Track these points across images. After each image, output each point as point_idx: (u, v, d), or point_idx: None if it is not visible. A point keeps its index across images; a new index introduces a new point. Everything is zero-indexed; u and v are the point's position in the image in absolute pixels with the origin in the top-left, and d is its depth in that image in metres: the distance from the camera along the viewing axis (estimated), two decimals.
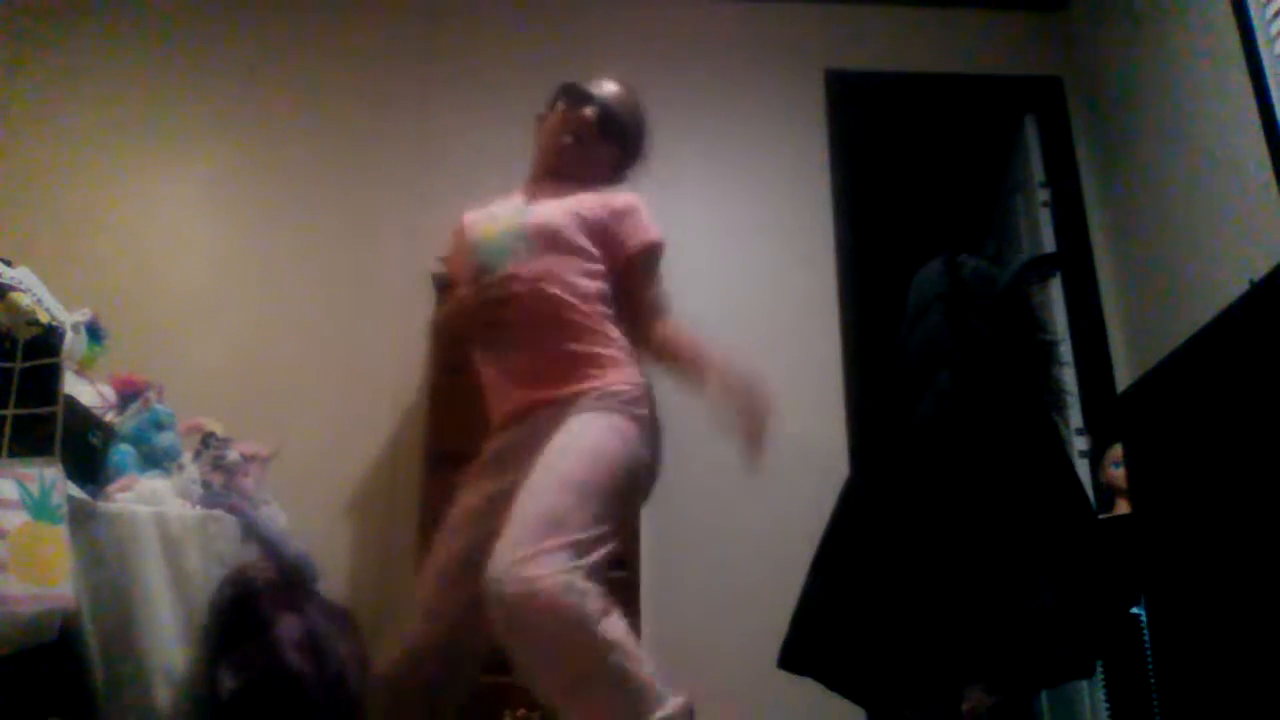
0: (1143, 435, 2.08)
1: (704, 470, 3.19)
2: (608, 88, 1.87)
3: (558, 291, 1.63)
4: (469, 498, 1.63)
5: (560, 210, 1.71)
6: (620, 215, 1.75)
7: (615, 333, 1.69)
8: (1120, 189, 3.44)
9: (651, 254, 1.79)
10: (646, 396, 1.67)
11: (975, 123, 4.04)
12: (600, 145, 1.82)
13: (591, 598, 1.30)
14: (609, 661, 1.29)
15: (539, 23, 3.67)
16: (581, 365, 1.62)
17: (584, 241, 1.69)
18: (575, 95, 1.84)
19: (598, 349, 1.64)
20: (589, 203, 1.74)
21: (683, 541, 3.11)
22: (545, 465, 1.45)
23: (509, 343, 1.65)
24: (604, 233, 1.72)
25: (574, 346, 1.63)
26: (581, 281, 1.67)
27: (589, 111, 1.79)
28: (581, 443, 1.50)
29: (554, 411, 1.56)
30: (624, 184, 1.90)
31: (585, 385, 1.59)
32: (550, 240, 1.67)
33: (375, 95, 3.57)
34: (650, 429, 1.67)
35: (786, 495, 3.13)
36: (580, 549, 1.34)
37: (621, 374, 1.64)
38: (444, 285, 3.02)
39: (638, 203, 1.80)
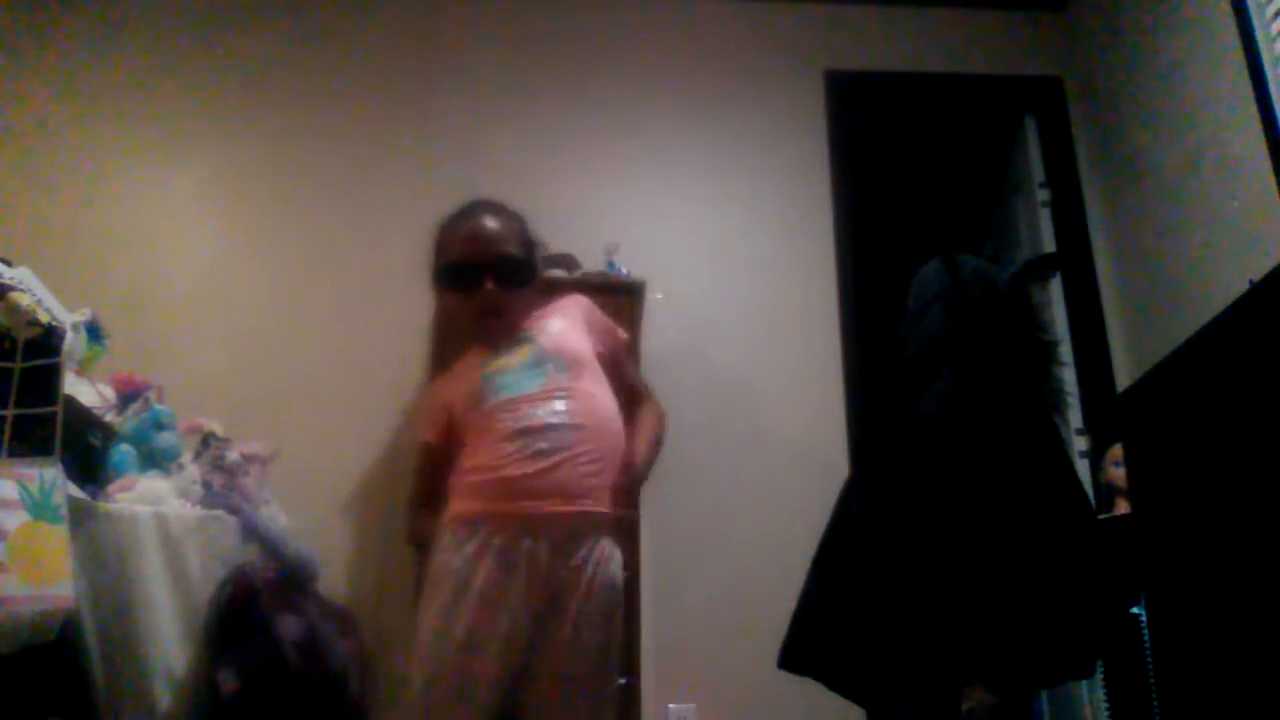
0: (1143, 435, 2.08)
1: (704, 470, 3.20)
2: (481, 234, 1.82)
3: (603, 410, 1.78)
4: (487, 609, 1.60)
5: (563, 334, 1.84)
6: (589, 319, 1.92)
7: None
8: (1120, 189, 3.44)
9: (629, 349, 2.05)
10: None
11: (975, 123, 4.05)
12: (519, 294, 1.85)
13: None
14: None
15: (540, 24, 3.67)
16: (610, 475, 1.74)
17: (596, 363, 1.84)
18: (458, 279, 1.83)
19: (617, 462, 1.76)
20: (562, 318, 1.88)
21: (682, 541, 3.11)
22: (589, 680, 1.65)
23: (549, 445, 1.67)
24: (588, 335, 1.89)
25: (608, 469, 1.73)
26: (609, 401, 1.82)
27: (489, 289, 1.79)
28: (613, 644, 1.71)
29: (588, 529, 1.68)
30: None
31: (609, 518, 1.73)
32: (572, 361, 1.79)
33: (375, 95, 3.57)
34: None
35: (786, 495, 3.13)
36: None
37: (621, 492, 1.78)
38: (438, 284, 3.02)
39: (589, 302, 1.97)
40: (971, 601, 1.78)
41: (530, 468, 1.64)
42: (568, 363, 1.77)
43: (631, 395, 1.92)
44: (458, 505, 1.69)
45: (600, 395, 1.78)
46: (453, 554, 1.63)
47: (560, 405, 1.70)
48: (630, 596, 2.63)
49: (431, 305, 3.09)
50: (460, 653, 1.57)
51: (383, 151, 3.50)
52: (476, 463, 1.70)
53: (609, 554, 1.72)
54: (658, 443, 1.89)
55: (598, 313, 1.95)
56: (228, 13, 3.64)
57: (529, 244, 1.86)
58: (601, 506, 1.70)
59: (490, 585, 1.60)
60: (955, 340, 1.96)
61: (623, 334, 1.97)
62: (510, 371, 1.75)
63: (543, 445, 1.65)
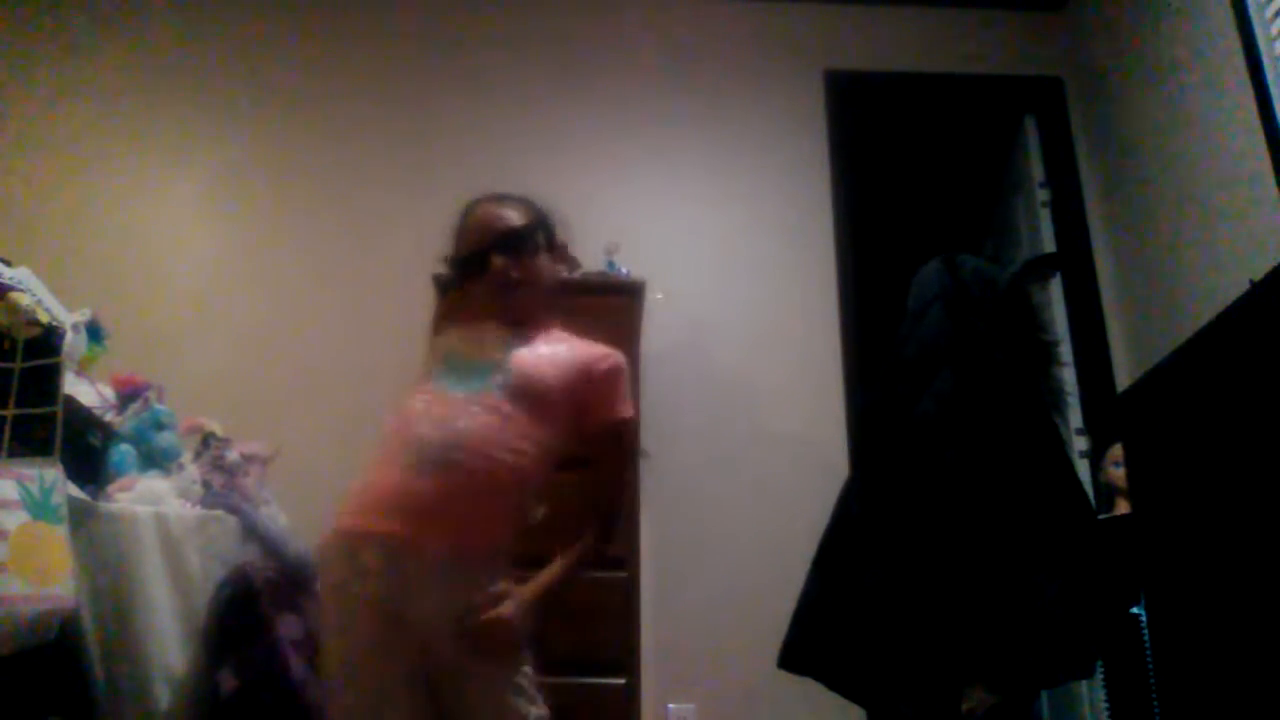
0: (1143, 435, 2.08)
1: (704, 470, 3.20)
2: (481, 218, 1.74)
3: (504, 458, 1.56)
4: (375, 661, 1.47)
5: (542, 364, 1.65)
6: (597, 380, 1.68)
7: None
8: (1120, 189, 3.44)
9: (625, 430, 1.72)
10: None
11: (975, 123, 4.05)
12: (532, 263, 1.71)
13: None
14: None
15: (540, 23, 3.67)
16: (492, 534, 1.58)
17: (551, 410, 1.63)
18: (470, 268, 1.72)
19: (501, 529, 1.61)
20: (569, 357, 1.68)
21: (682, 541, 3.11)
22: None
23: (441, 461, 1.53)
24: (577, 391, 1.67)
25: (493, 517, 1.58)
26: (518, 460, 1.58)
27: (497, 262, 1.68)
28: None
29: (464, 570, 1.52)
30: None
31: (496, 564, 1.56)
32: (524, 392, 1.60)
33: (376, 95, 3.57)
34: None
35: (786, 495, 3.13)
36: None
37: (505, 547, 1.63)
38: (447, 286, 3.02)
39: (619, 370, 1.71)
40: (971, 601, 1.78)
41: (410, 483, 1.52)
42: (519, 389, 1.59)
43: (594, 484, 1.69)
44: (339, 521, 1.61)
45: (526, 439, 1.57)
46: (340, 567, 1.55)
47: (471, 421, 1.54)
48: (630, 596, 2.64)
49: (432, 305, 3.09)
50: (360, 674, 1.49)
51: (383, 152, 3.50)
52: (369, 471, 1.62)
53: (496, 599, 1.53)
54: (569, 571, 1.62)
55: (613, 379, 1.68)
56: (228, 14, 3.64)
57: (534, 212, 1.76)
58: (481, 549, 1.55)
59: (380, 594, 1.49)
60: (955, 340, 1.96)
61: (624, 414, 1.68)
62: (463, 364, 1.65)
63: (430, 457, 1.52)
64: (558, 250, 1.80)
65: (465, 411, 1.56)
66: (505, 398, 1.58)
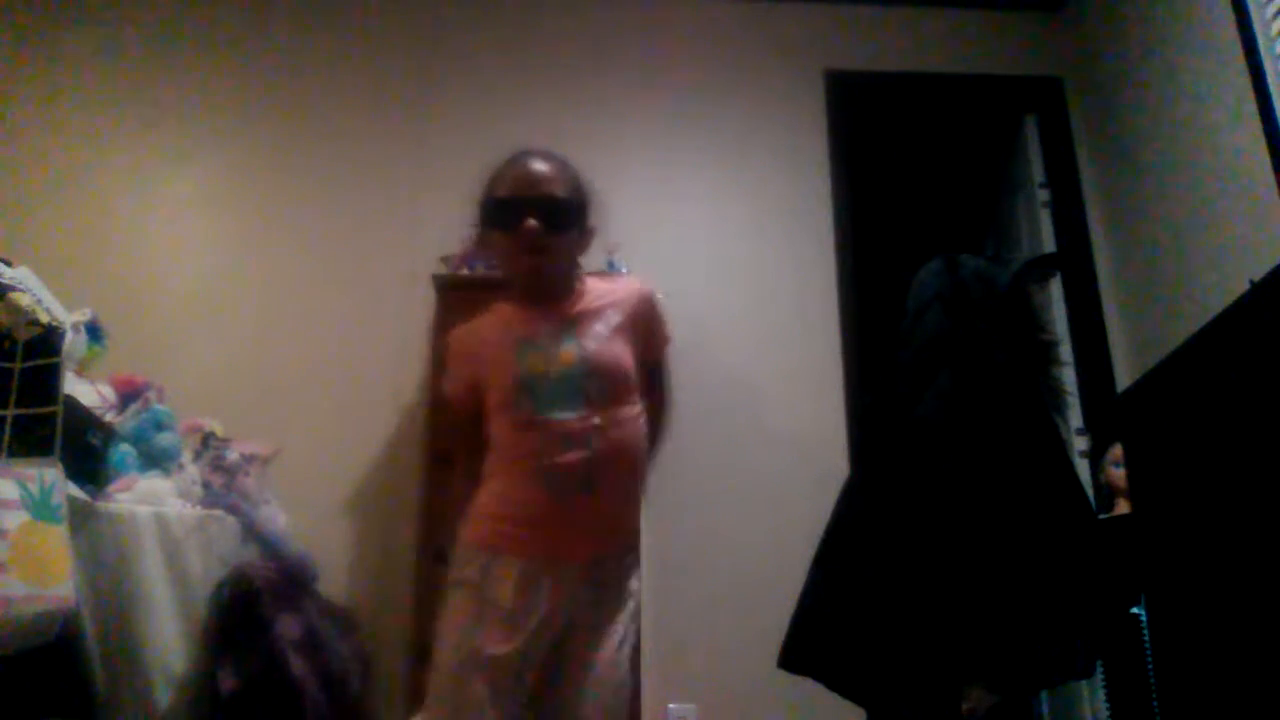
0: (1143, 435, 2.08)
1: (704, 470, 3.20)
2: (528, 174, 1.73)
3: (634, 443, 1.72)
4: (498, 644, 1.57)
5: (609, 345, 1.71)
6: (644, 318, 1.81)
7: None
8: (1120, 189, 3.44)
9: (667, 353, 1.92)
10: None
11: (975, 123, 4.05)
12: (561, 239, 1.71)
13: None
14: None
15: (539, 23, 3.67)
16: (634, 518, 1.76)
17: (635, 377, 1.74)
18: (502, 215, 1.71)
19: (640, 497, 1.77)
20: (616, 319, 1.75)
21: (683, 541, 3.11)
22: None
23: (579, 485, 1.62)
24: (639, 338, 1.79)
25: (635, 499, 1.75)
26: (640, 426, 1.74)
27: (530, 224, 1.66)
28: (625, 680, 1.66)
29: (602, 566, 1.67)
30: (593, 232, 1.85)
31: (633, 540, 1.75)
32: (614, 384, 1.69)
33: (375, 95, 3.57)
34: None
35: (786, 495, 3.13)
36: None
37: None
38: (446, 285, 3.03)
39: (651, 297, 1.85)
40: (971, 601, 1.78)
41: (553, 510, 1.62)
42: (608, 387, 1.67)
43: (649, 388, 1.84)
44: (477, 530, 1.67)
45: (632, 421, 1.71)
46: (473, 572, 1.62)
47: (595, 442, 1.63)
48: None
49: (432, 305, 3.09)
50: (476, 669, 1.55)
51: (382, 152, 3.50)
52: (499, 490, 1.68)
53: (628, 570, 1.73)
54: (667, 425, 1.93)
55: (654, 312, 1.84)
56: (228, 14, 3.64)
57: (578, 189, 1.77)
58: (623, 539, 1.72)
59: (512, 607, 1.59)
60: (955, 340, 1.96)
61: (668, 335, 1.89)
62: (548, 384, 1.66)
63: (569, 485, 1.62)
64: (587, 234, 1.80)
65: (587, 432, 1.64)
66: (600, 398, 1.65)
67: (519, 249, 1.68)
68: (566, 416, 1.63)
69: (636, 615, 1.74)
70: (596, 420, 1.64)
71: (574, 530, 1.63)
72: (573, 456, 1.61)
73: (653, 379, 1.84)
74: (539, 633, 1.59)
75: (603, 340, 1.71)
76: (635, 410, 1.72)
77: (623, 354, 1.71)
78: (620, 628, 1.66)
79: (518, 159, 1.77)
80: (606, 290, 1.80)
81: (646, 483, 1.79)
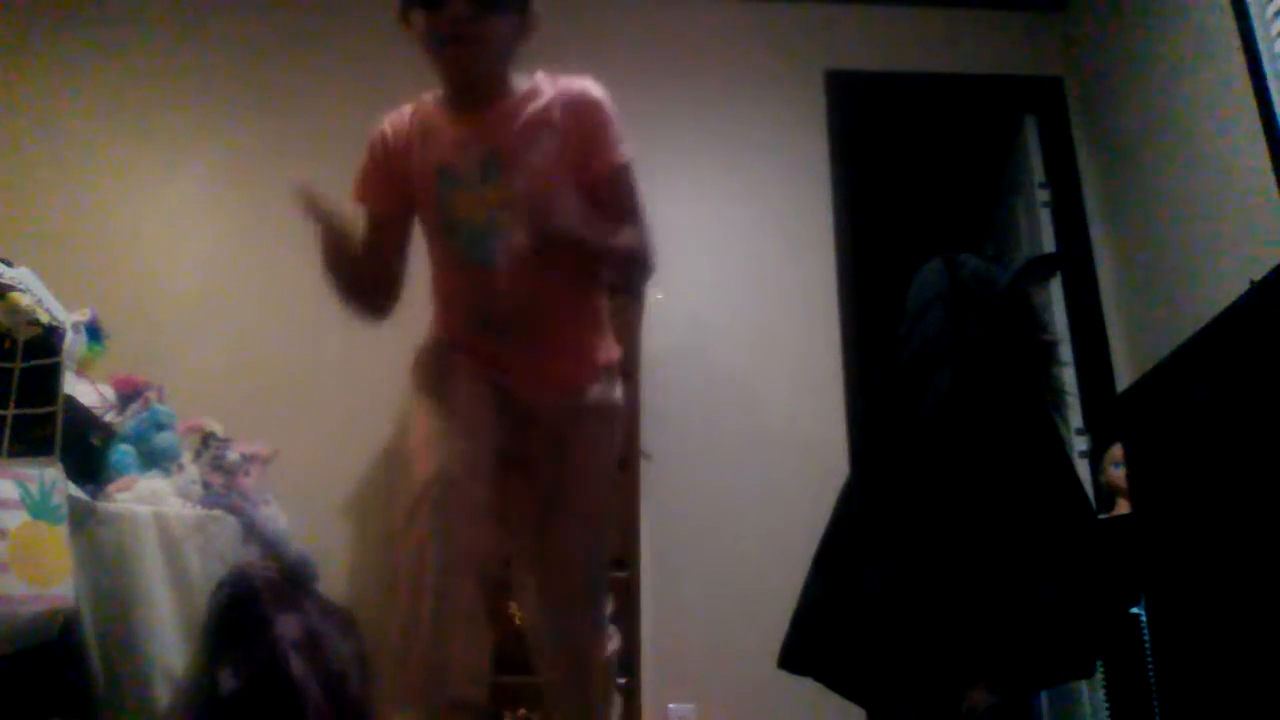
0: (1143, 435, 2.08)
1: (704, 470, 3.20)
2: None
3: (572, 287, 1.55)
4: (469, 403, 1.45)
5: (542, 175, 1.46)
6: (587, 135, 1.52)
7: (603, 297, 1.65)
8: (1120, 189, 3.44)
9: (622, 177, 1.54)
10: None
11: (975, 123, 4.04)
12: (493, 24, 1.46)
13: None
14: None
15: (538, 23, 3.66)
16: (594, 335, 1.61)
17: (573, 199, 1.45)
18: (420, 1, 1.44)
19: (599, 318, 1.63)
20: (551, 140, 1.49)
21: (683, 541, 3.11)
22: (580, 525, 1.57)
23: (524, 327, 1.52)
24: (576, 161, 1.50)
25: (590, 317, 1.61)
26: (577, 269, 1.53)
27: (457, 6, 1.40)
28: (602, 494, 1.62)
29: (572, 391, 1.58)
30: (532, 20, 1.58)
31: (602, 356, 1.61)
32: (544, 213, 1.39)
33: (375, 94, 3.56)
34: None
35: (786, 495, 3.13)
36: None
37: (611, 345, 1.65)
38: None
39: (597, 105, 1.54)
40: (972, 602, 1.78)
41: (494, 352, 1.51)
42: (538, 217, 1.39)
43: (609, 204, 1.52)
44: (433, 350, 1.60)
45: (568, 265, 1.49)
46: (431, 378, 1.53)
47: (527, 287, 1.47)
48: (630, 597, 2.64)
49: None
50: (445, 440, 1.39)
51: None
52: (443, 321, 1.62)
53: (598, 400, 1.59)
54: (631, 254, 1.51)
55: (599, 130, 1.52)
56: (227, 14, 3.64)
57: None
58: (575, 386, 1.57)
59: (475, 389, 1.47)
60: (955, 340, 1.96)
61: (619, 158, 1.53)
62: (474, 229, 1.50)
63: (505, 329, 1.51)
64: (528, 20, 1.55)
65: (517, 278, 1.47)
66: (534, 235, 1.38)
67: (442, 34, 1.43)
68: (498, 264, 1.46)
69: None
70: (528, 270, 1.44)
71: (518, 373, 1.51)
72: (505, 303, 1.49)
73: (612, 194, 1.51)
74: (493, 450, 1.43)
75: (535, 171, 1.46)
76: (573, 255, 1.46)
77: (560, 191, 1.44)
78: (591, 490, 1.57)
79: None
80: (546, 90, 1.54)
81: (603, 326, 1.64)
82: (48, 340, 1.71)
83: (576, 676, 1.60)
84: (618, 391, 1.64)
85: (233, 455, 2.39)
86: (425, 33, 1.46)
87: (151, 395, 2.25)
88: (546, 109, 1.52)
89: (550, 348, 1.55)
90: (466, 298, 1.55)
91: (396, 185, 1.60)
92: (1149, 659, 2.28)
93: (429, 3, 1.42)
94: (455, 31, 1.43)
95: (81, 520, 1.68)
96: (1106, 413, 3.14)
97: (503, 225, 1.46)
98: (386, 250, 1.63)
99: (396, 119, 1.65)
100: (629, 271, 1.56)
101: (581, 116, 1.52)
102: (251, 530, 2.28)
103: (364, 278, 1.63)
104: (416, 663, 1.29)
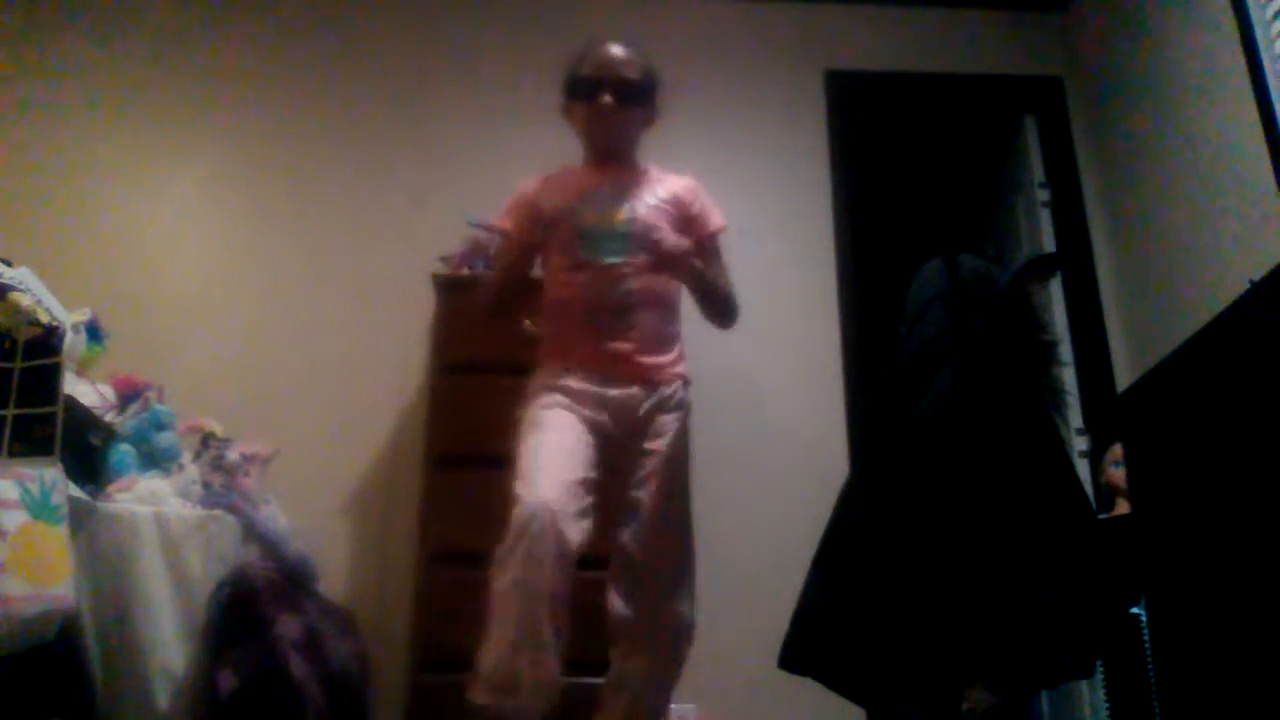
0: (1143, 435, 2.08)
1: (704, 470, 3.19)
2: (607, 57, 2.11)
3: (667, 293, 2.07)
4: (567, 417, 1.88)
5: (656, 212, 2.05)
6: (690, 206, 2.14)
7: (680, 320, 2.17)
8: (1120, 189, 3.44)
9: (718, 239, 2.20)
10: None
11: (975, 123, 4.04)
12: (631, 114, 2.10)
13: None
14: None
15: (539, 22, 3.66)
16: (676, 343, 2.10)
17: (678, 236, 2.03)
18: (583, 90, 2.08)
19: (678, 329, 2.13)
20: (665, 196, 2.11)
21: None
22: (668, 505, 2.00)
23: (624, 319, 1.97)
24: (682, 223, 2.09)
25: (673, 327, 2.10)
26: (673, 284, 2.09)
27: (606, 100, 2.05)
28: (684, 478, 2.08)
29: (658, 385, 2.01)
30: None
31: (680, 366, 2.09)
32: (654, 241, 1.97)
33: (375, 95, 3.57)
34: None
35: (786, 495, 3.13)
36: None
37: (684, 358, 2.14)
38: (446, 285, 3.03)
39: (699, 189, 2.22)
40: (972, 602, 1.78)
41: (601, 344, 1.95)
42: (650, 245, 1.95)
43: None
44: (549, 358, 2.02)
45: (667, 283, 2.04)
46: (550, 378, 1.96)
47: (633, 285, 1.96)
48: None
49: (431, 304, 3.09)
50: (547, 474, 1.73)
51: (383, 151, 3.50)
52: (552, 333, 2.06)
53: (676, 401, 2.05)
54: (722, 290, 2.17)
55: (699, 198, 2.18)
56: (227, 14, 3.64)
57: (649, 75, 2.15)
58: (658, 378, 2.01)
59: (578, 394, 1.91)
60: (955, 340, 1.96)
61: (716, 224, 2.18)
62: (600, 233, 1.99)
63: (608, 320, 1.95)
64: (651, 113, 2.19)
65: (624, 275, 1.97)
66: (642, 253, 1.96)
67: (595, 119, 2.09)
68: (613, 261, 1.96)
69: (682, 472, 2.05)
70: (636, 269, 1.96)
71: (615, 361, 1.95)
72: (614, 296, 1.95)
73: (710, 251, 2.16)
74: (602, 426, 1.89)
75: (651, 208, 2.05)
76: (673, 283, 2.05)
77: (667, 223, 2.03)
78: (678, 475, 2.01)
79: (600, 43, 2.15)
80: (661, 174, 2.19)
81: (681, 340, 2.14)
82: (48, 340, 1.71)
83: (671, 653, 2.03)
84: (689, 395, 2.11)
85: (233, 455, 2.39)
86: (582, 118, 2.13)
87: (151, 395, 2.25)
88: (659, 178, 2.18)
89: (645, 342, 1.99)
90: (580, 296, 1.98)
91: (537, 220, 2.09)
92: (1149, 659, 2.28)
93: (586, 99, 2.09)
94: (604, 117, 2.09)
95: (81, 520, 1.69)
96: (1106, 413, 3.14)
97: (621, 230, 1.99)
98: (526, 267, 2.17)
99: (543, 178, 2.20)
100: (721, 306, 2.17)
101: (694, 191, 2.20)
102: (251, 530, 2.28)
103: (515, 288, 2.17)
104: (500, 675, 1.62)
